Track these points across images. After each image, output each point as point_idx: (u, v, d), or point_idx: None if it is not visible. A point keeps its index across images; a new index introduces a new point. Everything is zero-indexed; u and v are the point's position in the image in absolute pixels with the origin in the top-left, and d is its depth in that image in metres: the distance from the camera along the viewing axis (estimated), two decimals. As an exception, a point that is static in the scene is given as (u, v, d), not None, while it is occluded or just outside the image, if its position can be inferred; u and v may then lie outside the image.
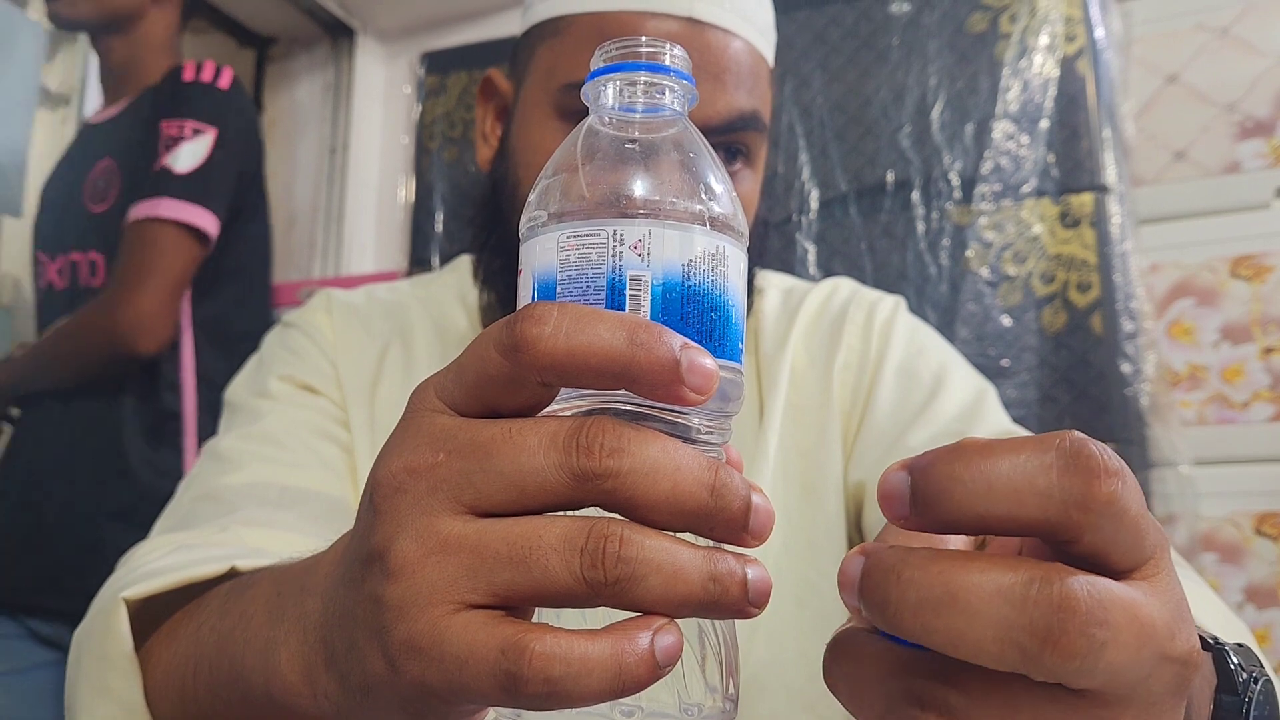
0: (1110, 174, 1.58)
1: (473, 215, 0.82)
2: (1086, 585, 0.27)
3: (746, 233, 0.36)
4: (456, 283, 0.87)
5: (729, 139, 0.70)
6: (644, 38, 0.36)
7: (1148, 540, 0.29)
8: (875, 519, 0.72)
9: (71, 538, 1.40)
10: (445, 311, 0.85)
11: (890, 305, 0.81)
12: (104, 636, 0.51)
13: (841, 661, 0.31)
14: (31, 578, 1.40)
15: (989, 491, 0.28)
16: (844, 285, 0.84)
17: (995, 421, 0.73)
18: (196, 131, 1.49)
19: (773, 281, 0.86)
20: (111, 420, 1.47)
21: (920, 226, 1.66)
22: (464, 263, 0.89)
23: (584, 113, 0.70)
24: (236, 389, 0.81)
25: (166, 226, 1.44)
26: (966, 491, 0.28)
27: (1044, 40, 1.64)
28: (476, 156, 0.83)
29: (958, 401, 0.73)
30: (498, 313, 0.79)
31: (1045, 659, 0.26)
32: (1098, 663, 0.26)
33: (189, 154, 1.48)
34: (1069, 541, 0.28)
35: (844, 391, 0.77)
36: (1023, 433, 0.74)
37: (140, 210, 1.46)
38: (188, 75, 1.53)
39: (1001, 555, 0.28)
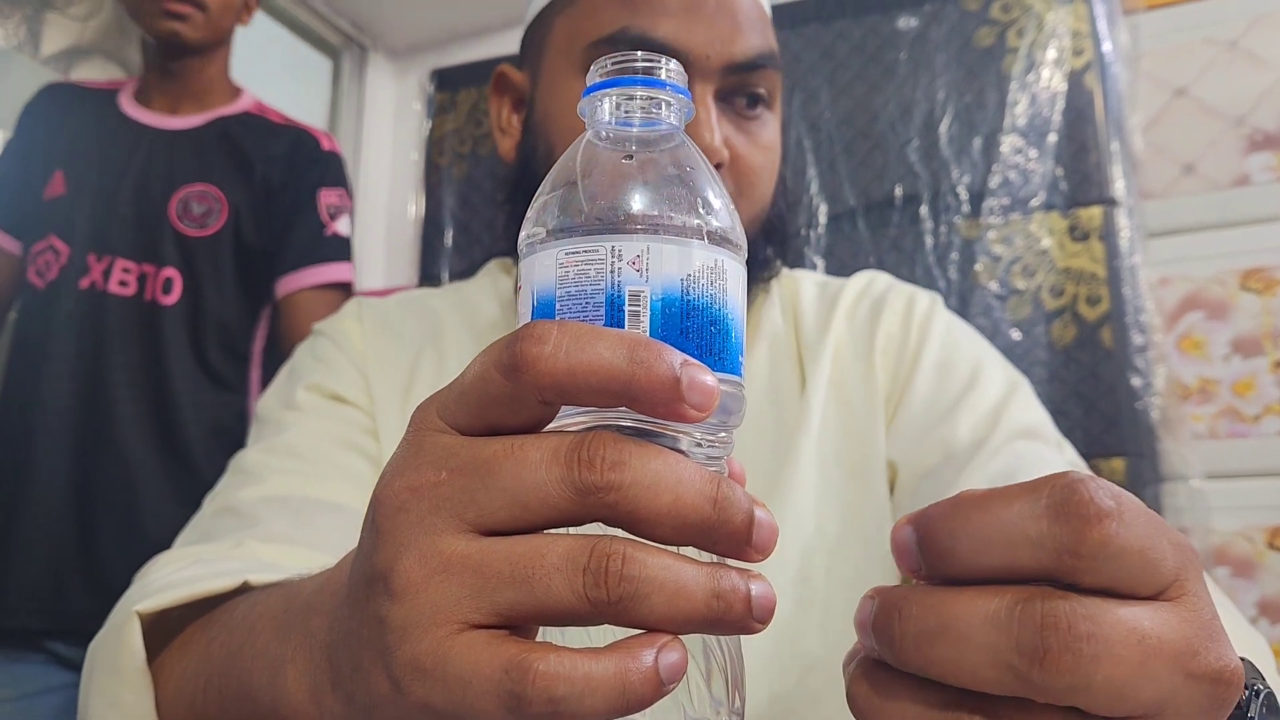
0: (1119, 187, 1.58)
1: (504, 199, 0.82)
2: (1070, 603, 0.28)
3: (745, 245, 0.36)
4: (491, 284, 0.87)
5: (752, 80, 0.71)
6: (639, 53, 0.36)
7: (1162, 568, 0.29)
8: (903, 502, 0.72)
9: (125, 563, 1.39)
10: (477, 309, 0.85)
11: (928, 299, 0.82)
12: (117, 649, 0.51)
13: (875, 696, 0.32)
14: (79, 601, 1.39)
15: (987, 545, 0.29)
16: (881, 276, 0.85)
17: (1026, 413, 0.73)
18: (346, 200, 1.66)
19: (806, 275, 0.87)
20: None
21: (929, 240, 1.66)
22: (494, 266, 0.89)
23: None
24: (266, 400, 0.81)
25: (346, 289, 1.60)
26: (966, 547, 0.30)
27: (1051, 54, 1.64)
28: (498, 149, 0.83)
29: (992, 395, 0.73)
30: None
31: (1035, 676, 0.27)
32: (1093, 677, 0.27)
33: (347, 222, 1.65)
34: (1073, 584, 0.29)
35: (884, 374, 0.77)
36: (1051, 428, 0.74)
37: (328, 274, 1.59)
38: (325, 145, 1.66)
39: (992, 585, 0.29)
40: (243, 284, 1.58)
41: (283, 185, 1.60)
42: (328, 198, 1.63)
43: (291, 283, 1.58)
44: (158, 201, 1.55)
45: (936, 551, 0.30)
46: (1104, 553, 0.28)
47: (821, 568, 0.70)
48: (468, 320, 0.84)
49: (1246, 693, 0.35)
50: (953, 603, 0.29)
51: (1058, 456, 0.70)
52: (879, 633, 0.30)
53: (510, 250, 0.83)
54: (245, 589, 0.51)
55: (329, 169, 1.65)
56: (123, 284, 1.52)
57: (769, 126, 0.74)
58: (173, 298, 1.53)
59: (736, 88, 0.71)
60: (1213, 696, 0.29)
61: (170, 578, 0.55)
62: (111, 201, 1.55)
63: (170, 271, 1.53)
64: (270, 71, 2.22)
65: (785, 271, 0.87)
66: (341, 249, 1.63)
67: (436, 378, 0.79)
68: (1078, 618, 0.27)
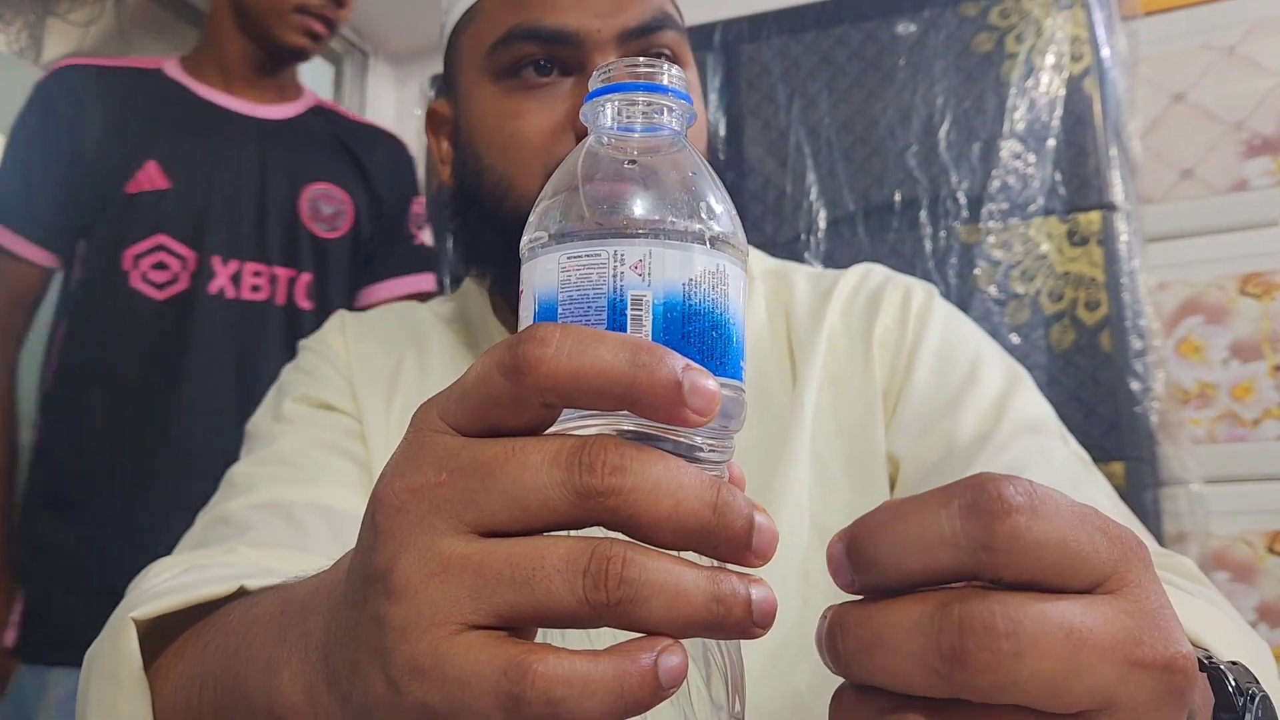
0: (1117, 192, 1.58)
1: (449, 220, 0.84)
2: (990, 602, 0.28)
3: (746, 250, 0.36)
4: (468, 295, 0.88)
5: (649, 42, 0.73)
6: (641, 59, 0.36)
7: (1092, 560, 0.29)
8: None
9: None
10: (457, 316, 0.87)
11: (924, 291, 0.81)
12: (113, 656, 0.51)
13: (839, 713, 0.32)
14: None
15: (906, 550, 0.30)
16: (877, 268, 0.85)
17: (1029, 407, 0.73)
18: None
19: (799, 269, 0.87)
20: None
21: (928, 245, 1.66)
22: (469, 283, 0.90)
23: (514, 68, 0.72)
24: (257, 418, 0.82)
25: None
26: (888, 553, 0.30)
27: (1050, 60, 1.65)
28: (441, 179, 0.84)
29: (995, 388, 0.74)
30: (501, 288, 0.80)
31: (958, 678, 0.28)
32: (1018, 673, 0.27)
33: (429, 231, 1.61)
34: (995, 580, 0.29)
35: (882, 368, 0.77)
36: (1054, 420, 0.74)
37: (416, 284, 1.55)
38: (409, 151, 1.63)
39: (919, 592, 0.30)
40: (352, 289, 1.51)
41: (389, 191, 1.55)
42: (416, 207, 1.60)
43: (380, 292, 1.53)
44: (286, 200, 1.45)
45: (863, 562, 0.31)
46: (1016, 546, 0.28)
47: (822, 564, 0.70)
48: (450, 324, 0.85)
49: (1242, 698, 0.35)
50: (884, 613, 0.30)
51: (1064, 449, 0.71)
52: (828, 649, 0.31)
53: (468, 267, 0.85)
54: (241, 594, 0.51)
55: (415, 177, 1.61)
56: (255, 289, 1.40)
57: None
58: (312, 303, 1.44)
59: (637, 54, 0.72)
60: (1165, 684, 0.29)
61: (166, 584, 0.55)
62: (231, 198, 1.41)
63: (308, 275, 1.44)
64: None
65: (774, 265, 0.87)
66: (428, 259, 1.60)
67: (420, 382, 0.80)
68: (996, 616, 0.28)
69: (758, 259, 0.86)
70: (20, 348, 1.46)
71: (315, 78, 2.42)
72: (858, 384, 0.76)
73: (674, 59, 0.74)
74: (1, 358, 1.44)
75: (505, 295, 0.80)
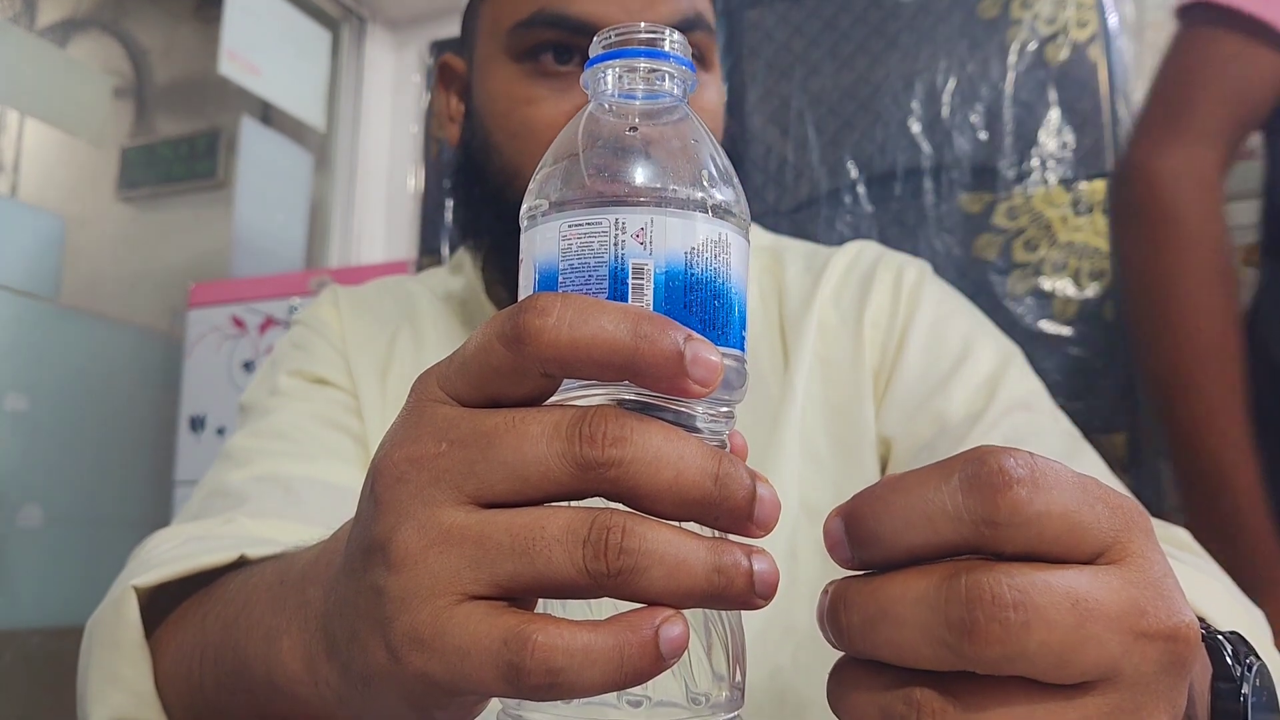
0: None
1: (452, 187, 0.83)
2: (996, 573, 0.28)
3: (749, 219, 0.36)
4: (461, 267, 0.88)
5: None
6: (643, 24, 0.36)
7: (1094, 530, 0.29)
8: None
9: None
10: (451, 289, 0.86)
11: (916, 269, 0.81)
12: (114, 625, 0.51)
13: (840, 688, 0.32)
14: None
15: (907, 524, 0.30)
16: (870, 246, 0.84)
17: (1021, 384, 0.73)
18: None
19: (792, 246, 0.86)
20: None
21: (931, 214, 1.65)
22: (461, 253, 0.90)
23: (534, 51, 0.70)
24: (251, 392, 0.82)
25: None
26: (889, 528, 0.30)
27: (1056, 26, 1.63)
28: (445, 137, 0.83)
29: (986, 366, 0.73)
30: (494, 266, 0.80)
31: (967, 650, 0.28)
32: (1026, 644, 0.27)
33: None
34: (998, 553, 0.29)
35: (873, 349, 0.77)
36: (1046, 398, 0.74)
37: None
38: None
39: (924, 565, 0.30)
40: None
41: None
42: None
43: None
44: None
45: (862, 538, 0.31)
46: (1018, 518, 0.28)
47: (810, 543, 0.70)
48: (443, 299, 0.85)
49: (1240, 668, 0.35)
50: (889, 586, 0.30)
51: (1054, 426, 0.71)
52: (831, 624, 0.31)
53: (464, 238, 0.84)
54: (242, 563, 0.51)
55: None
56: None
57: (708, 88, 0.73)
58: None
59: None
60: (1169, 654, 0.29)
61: (166, 554, 0.56)
62: None
63: None
64: (269, 43, 2.20)
65: (769, 241, 0.86)
66: None
67: (415, 355, 0.79)
68: (1003, 587, 0.28)
69: (753, 233, 0.85)
70: None
71: (311, 44, 2.40)
72: (848, 365, 0.76)
73: (700, 59, 0.72)
74: (1215, 199, 1.03)
75: (498, 272, 0.80)
